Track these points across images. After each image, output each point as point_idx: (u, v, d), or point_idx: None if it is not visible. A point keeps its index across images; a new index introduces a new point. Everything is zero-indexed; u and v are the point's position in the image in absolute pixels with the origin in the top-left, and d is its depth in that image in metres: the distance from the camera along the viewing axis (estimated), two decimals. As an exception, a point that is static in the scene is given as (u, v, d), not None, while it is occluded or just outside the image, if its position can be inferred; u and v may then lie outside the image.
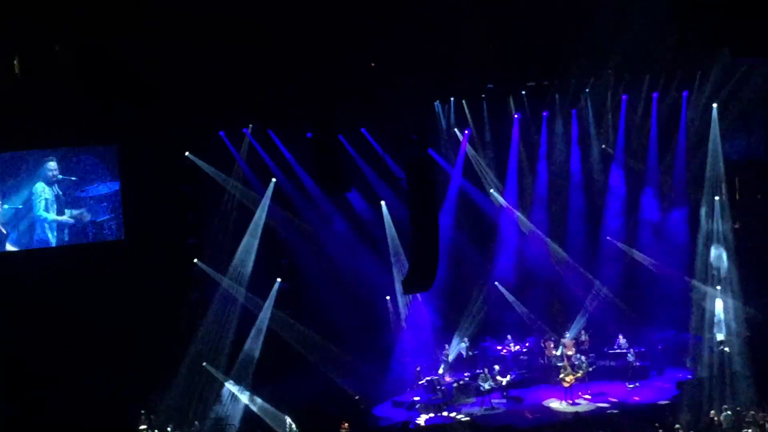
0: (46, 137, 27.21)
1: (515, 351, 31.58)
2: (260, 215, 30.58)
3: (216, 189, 30.44)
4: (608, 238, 32.78)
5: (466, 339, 31.97)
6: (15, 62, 26.14)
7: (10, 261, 27.27)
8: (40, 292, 26.64)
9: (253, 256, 30.14)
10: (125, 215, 28.25)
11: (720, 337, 30.08)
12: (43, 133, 26.80)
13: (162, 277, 28.38)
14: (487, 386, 28.81)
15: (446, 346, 31.67)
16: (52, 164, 27.72)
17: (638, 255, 32.35)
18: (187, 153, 29.60)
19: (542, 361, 31.11)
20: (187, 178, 29.82)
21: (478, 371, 29.96)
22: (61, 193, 27.80)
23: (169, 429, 26.66)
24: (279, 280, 30.57)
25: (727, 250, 30.97)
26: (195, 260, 29.62)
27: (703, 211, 31.56)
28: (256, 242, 30.32)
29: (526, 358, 31.36)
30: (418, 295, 30.55)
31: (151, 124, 27.56)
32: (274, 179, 30.79)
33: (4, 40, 25.49)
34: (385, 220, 31.83)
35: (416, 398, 29.32)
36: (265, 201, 30.60)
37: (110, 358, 27.08)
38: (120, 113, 26.78)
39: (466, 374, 30.48)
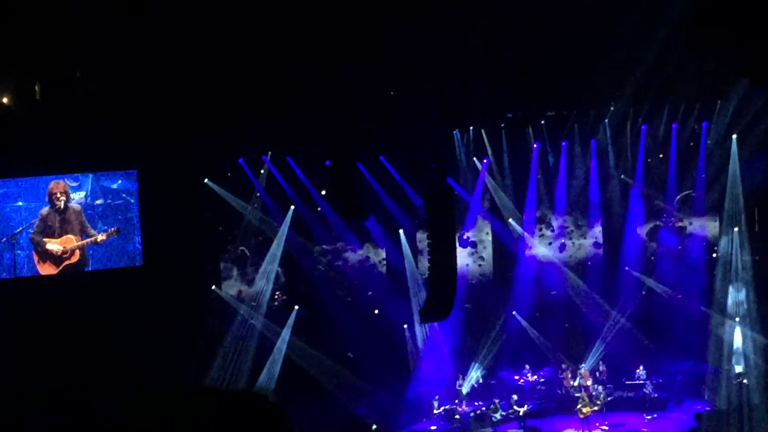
0: (66, 162, 27.33)
1: (532, 381, 31.45)
2: (279, 242, 30.56)
3: (235, 216, 30.54)
4: (627, 268, 32.71)
5: (481, 368, 31.86)
6: (36, 87, 26.28)
7: (13, 287, 27.16)
8: (58, 318, 26.58)
9: (271, 284, 30.11)
10: (144, 241, 28.27)
11: (739, 369, 29.95)
12: (64, 158, 26.92)
13: (180, 302, 28.34)
14: (498, 416, 28.77)
15: (460, 375, 31.57)
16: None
17: (655, 285, 32.31)
18: (206, 180, 29.67)
19: (560, 392, 30.99)
20: (206, 203, 29.87)
21: (495, 400, 29.94)
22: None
23: None
24: (297, 307, 30.50)
25: (746, 283, 30.89)
26: (213, 287, 29.63)
27: (722, 241, 31.55)
28: (275, 269, 30.31)
29: (543, 388, 31.22)
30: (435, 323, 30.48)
31: (171, 149, 27.64)
32: (292, 207, 30.79)
33: (26, 65, 25.67)
34: (404, 248, 31.75)
35: (433, 428, 29.27)
36: (284, 228, 30.60)
37: (127, 382, 27.01)
38: (140, 139, 26.87)
39: (480, 403, 30.35)
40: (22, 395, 25.19)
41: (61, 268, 27.18)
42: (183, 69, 25.88)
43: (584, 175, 32.88)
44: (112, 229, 27.22)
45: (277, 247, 30.57)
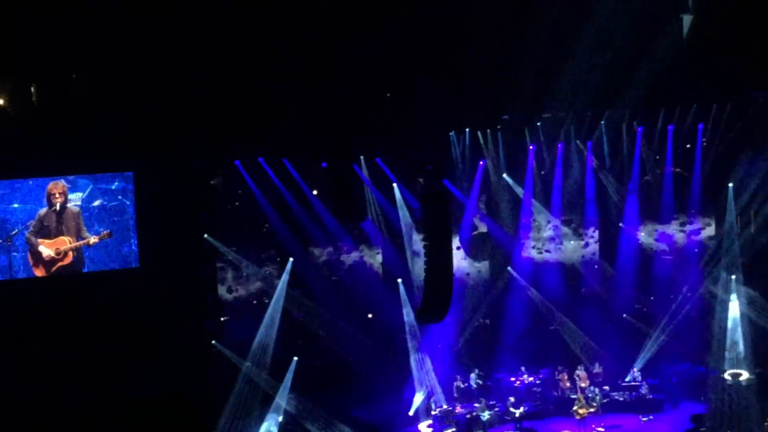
0: (62, 164, 27.28)
1: (528, 382, 31.46)
2: (278, 297, 30.27)
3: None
4: (624, 315, 32.88)
5: (476, 369, 31.87)
6: (32, 89, 26.27)
7: (9, 289, 27.11)
8: (54, 320, 26.54)
9: (273, 342, 29.95)
10: (140, 243, 28.21)
11: (734, 371, 29.99)
12: (59, 159, 26.87)
13: (177, 305, 28.31)
14: (486, 416, 28.86)
15: (458, 376, 31.60)
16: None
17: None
18: (205, 235, 29.77)
19: (556, 393, 31.00)
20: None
21: (490, 402, 29.98)
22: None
23: None
24: (296, 358, 30.20)
25: (742, 285, 30.98)
26: (213, 341, 29.63)
27: (719, 243, 31.67)
28: (275, 329, 30.14)
29: (539, 389, 31.22)
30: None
31: (168, 151, 27.60)
32: (291, 259, 30.66)
33: (22, 67, 25.64)
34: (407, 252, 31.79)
35: (429, 429, 29.26)
36: (284, 279, 30.51)
37: (121, 385, 26.99)
38: (136, 140, 26.84)
39: (477, 406, 30.34)
40: (18, 398, 25.21)
41: (53, 269, 27.13)
42: (179, 70, 25.87)
43: (580, 177, 32.87)
44: (105, 232, 27.20)
45: (276, 305, 30.30)
